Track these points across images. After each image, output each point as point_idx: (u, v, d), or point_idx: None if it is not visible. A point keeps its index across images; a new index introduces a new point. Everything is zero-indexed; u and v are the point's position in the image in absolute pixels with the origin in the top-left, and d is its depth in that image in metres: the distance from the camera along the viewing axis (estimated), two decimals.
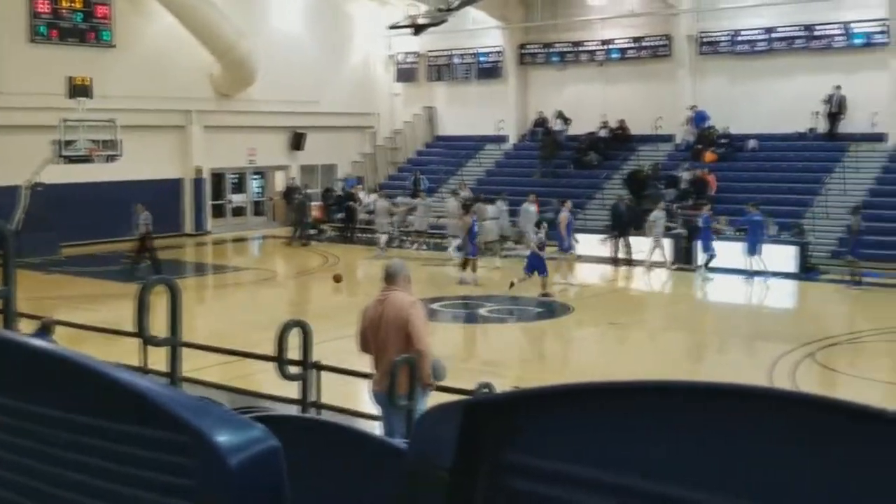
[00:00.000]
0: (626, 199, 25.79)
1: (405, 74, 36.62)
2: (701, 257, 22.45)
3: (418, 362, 7.20)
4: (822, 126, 27.29)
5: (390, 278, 7.64)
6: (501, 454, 1.30)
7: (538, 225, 21.18)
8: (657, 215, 23.47)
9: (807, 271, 22.11)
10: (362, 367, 8.20)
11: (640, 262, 23.74)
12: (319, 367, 8.97)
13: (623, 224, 24.60)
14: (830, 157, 26.51)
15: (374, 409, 7.95)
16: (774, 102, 27.76)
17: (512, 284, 19.48)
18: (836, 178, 25.72)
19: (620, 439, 1.21)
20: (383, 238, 26.86)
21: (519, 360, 15.37)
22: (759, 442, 1.11)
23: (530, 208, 24.88)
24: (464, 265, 21.01)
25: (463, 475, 1.29)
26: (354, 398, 9.67)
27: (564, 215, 21.53)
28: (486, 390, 7.25)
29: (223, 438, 1.10)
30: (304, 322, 7.75)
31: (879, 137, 26.37)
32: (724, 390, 1.17)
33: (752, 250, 21.67)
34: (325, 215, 31.41)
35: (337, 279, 20.81)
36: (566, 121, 31.66)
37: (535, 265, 19.51)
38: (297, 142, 33.48)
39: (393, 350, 7.32)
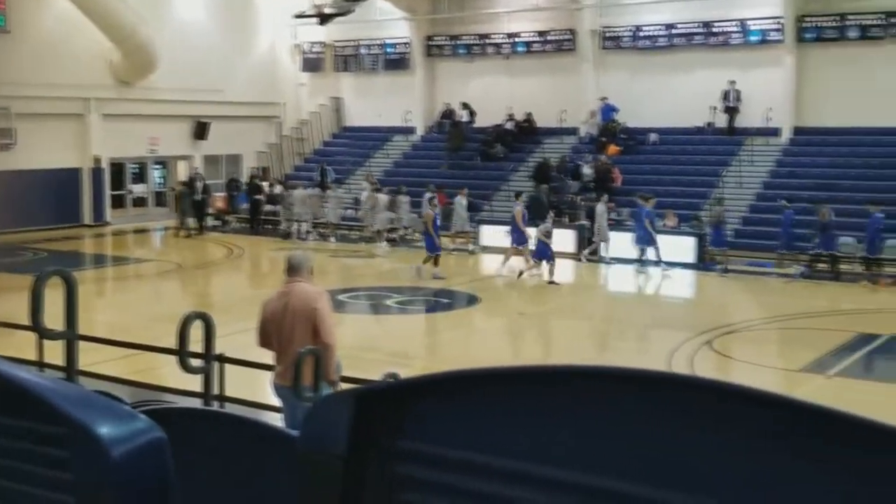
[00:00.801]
0: (546, 190, 25.84)
1: (311, 64, 36.29)
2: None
3: (324, 355, 7.14)
4: (720, 121, 27.99)
5: (294, 270, 7.54)
6: (394, 442, 1.31)
7: (546, 213, 21.28)
8: (601, 209, 23.53)
9: (704, 262, 22.71)
10: (267, 359, 8.13)
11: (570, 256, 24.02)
12: (222, 360, 8.86)
13: (542, 216, 24.83)
14: (727, 151, 27.26)
15: (279, 402, 7.89)
16: (674, 97, 28.38)
17: (521, 273, 20.16)
18: (732, 171, 26.47)
19: (512, 424, 1.23)
20: (304, 226, 27.03)
21: (426, 349, 15.44)
22: (648, 424, 1.14)
23: (462, 201, 24.83)
24: (435, 261, 20.63)
25: (356, 463, 1.30)
26: (259, 391, 9.58)
27: (518, 209, 21.75)
28: (391, 380, 7.21)
29: (105, 430, 1.10)
30: (207, 314, 7.64)
31: (774, 132, 27.21)
32: (609, 374, 1.21)
33: (642, 240, 22.21)
34: (229, 206, 31.04)
35: None
36: (472, 113, 31.82)
37: (542, 253, 20.09)
38: (200, 131, 32.89)
39: (298, 343, 7.22)
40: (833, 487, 1.03)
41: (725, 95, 27.60)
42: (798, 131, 27.08)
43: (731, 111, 27.59)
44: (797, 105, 27.06)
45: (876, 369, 14.24)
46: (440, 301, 19.22)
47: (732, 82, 27.43)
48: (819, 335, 15.57)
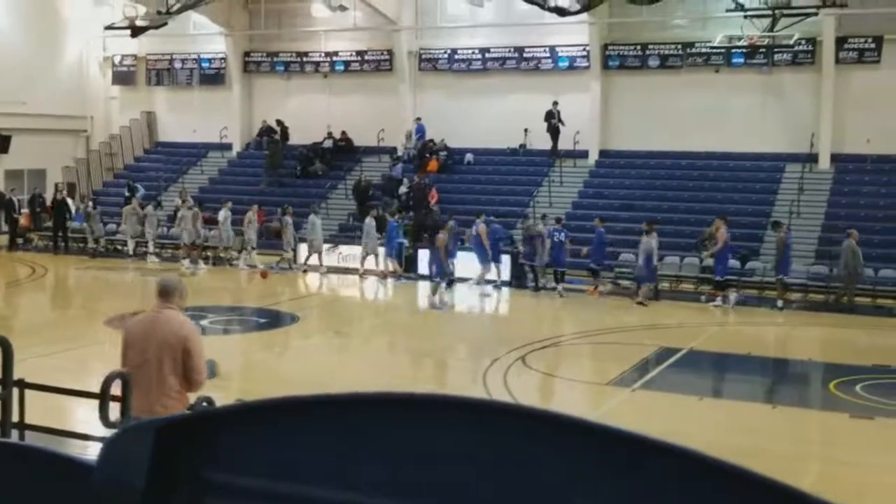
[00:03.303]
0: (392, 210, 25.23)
1: (123, 77, 35.05)
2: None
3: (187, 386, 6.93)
4: (541, 142, 28.52)
5: (165, 294, 7.08)
6: (200, 473, 1.31)
7: (647, 233, 20.70)
8: (487, 227, 22.82)
9: (519, 279, 23.31)
10: (71, 383, 7.77)
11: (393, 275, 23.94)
12: (22, 386, 8.40)
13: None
14: (539, 172, 28.18)
15: (88, 429, 7.54)
16: (490, 119, 29.10)
17: (641, 303, 20.30)
18: (543, 191, 27.37)
19: (319, 451, 1.26)
20: (131, 244, 26.31)
21: (243, 371, 15.13)
22: (445, 448, 1.20)
23: (317, 221, 24.27)
24: (449, 284, 20.22)
25: (158, 495, 1.29)
26: (65, 418, 9.14)
27: (482, 227, 20.84)
28: (205, 404, 6.90)
29: None
30: (4, 338, 7.22)
31: (582, 154, 28.35)
32: (399, 400, 1.26)
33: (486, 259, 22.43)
34: (32, 223, 29.50)
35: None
36: (285, 129, 31.39)
37: (649, 275, 20.50)
38: (1, 144, 31.07)
39: (164, 373, 6.84)
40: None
41: (549, 115, 28.20)
42: (603, 154, 28.30)
43: (555, 131, 28.27)
44: (603, 128, 28.23)
45: (674, 382, 15.03)
46: (258, 321, 18.90)
47: (555, 103, 28.19)
48: (626, 349, 16.30)
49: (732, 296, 20.86)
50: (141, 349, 6.95)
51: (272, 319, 18.81)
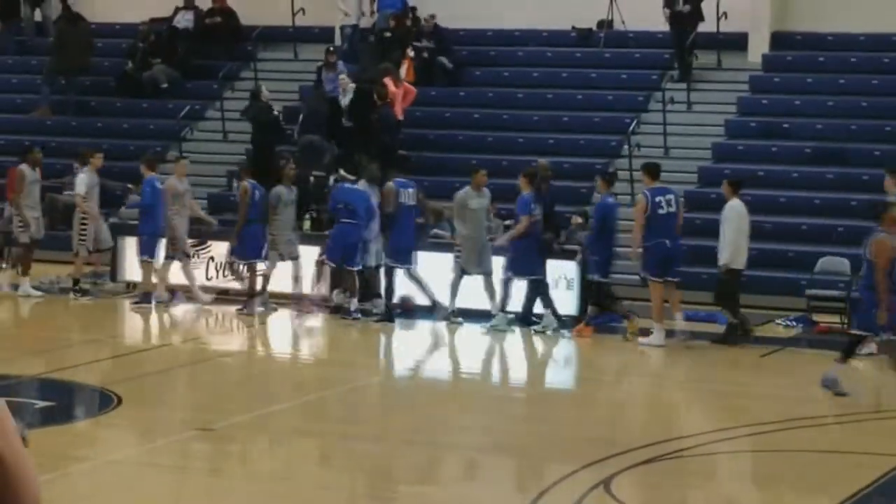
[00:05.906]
0: None
1: None
2: None
3: None
4: (629, 18, 16.10)
5: None
6: None
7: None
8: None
9: None
10: None
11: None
12: None
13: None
14: (641, 81, 16.03)
15: None
16: None
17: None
18: (651, 120, 15.30)
19: None
20: None
21: None
22: None
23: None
24: None
25: None
26: None
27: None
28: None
29: None
30: None
31: (734, 43, 15.71)
32: None
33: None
34: None
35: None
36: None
37: None
38: None
39: None
40: None
41: None
42: (780, 41, 15.84)
43: (689, 15, 14.64)
44: None
45: None
46: (33, 404, 9.38)
47: None
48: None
49: None
50: None
51: (63, 401, 10.29)
